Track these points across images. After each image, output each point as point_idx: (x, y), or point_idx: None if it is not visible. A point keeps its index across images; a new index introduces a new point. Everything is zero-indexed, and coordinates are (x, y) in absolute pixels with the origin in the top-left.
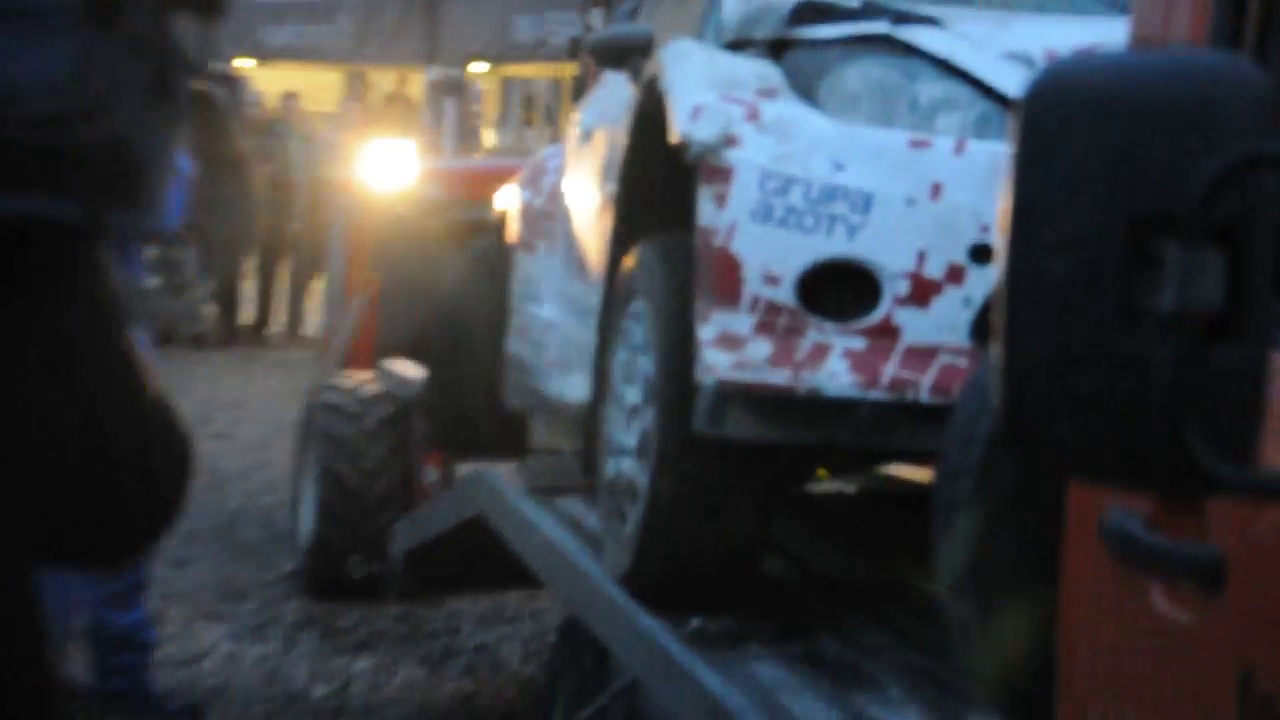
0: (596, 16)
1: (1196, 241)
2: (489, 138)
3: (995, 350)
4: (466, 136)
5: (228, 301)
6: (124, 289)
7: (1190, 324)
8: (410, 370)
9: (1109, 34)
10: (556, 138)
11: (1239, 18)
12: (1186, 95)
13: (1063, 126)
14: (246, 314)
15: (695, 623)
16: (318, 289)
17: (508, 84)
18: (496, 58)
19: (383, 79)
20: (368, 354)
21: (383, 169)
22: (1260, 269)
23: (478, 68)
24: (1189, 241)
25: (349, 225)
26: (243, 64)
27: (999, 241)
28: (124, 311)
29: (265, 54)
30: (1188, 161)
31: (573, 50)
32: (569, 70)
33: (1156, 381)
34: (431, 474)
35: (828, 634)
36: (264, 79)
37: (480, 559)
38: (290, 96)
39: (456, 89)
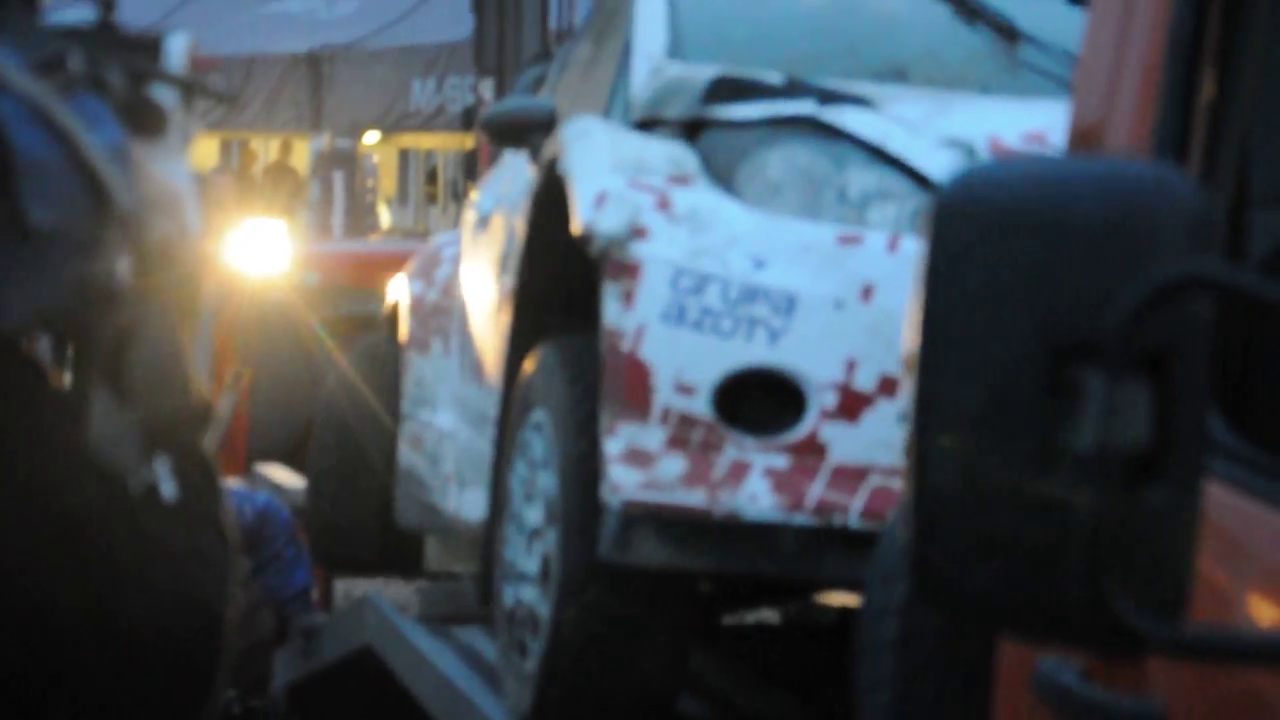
0: (486, 87)
1: (1120, 372)
2: (385, 216)
3: (905, 485)
4: (359, 215)
5: None
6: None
7: (1114, 463)
8: (288, 478)
9: (1059, 118)
10: None
11: (1185, 119)
12: (1111, 210)
13: (975, 241)
14: None
15: None
16: None
17: (406, 156)
18: (391, 126)
19: (266, 148)
20: (238, 458)
21: (256, 250)
22: (1190, 402)
23: (370, 138)
24: (1112, 371)
25: (217, 313)
26: None
27: (909, 361)
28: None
29: None
30: (1111, 284)
31: (467, 122)
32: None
33: (1076, 527)
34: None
35: None
36: None
37: (371, 694)
38: None
39: (346, 161)
